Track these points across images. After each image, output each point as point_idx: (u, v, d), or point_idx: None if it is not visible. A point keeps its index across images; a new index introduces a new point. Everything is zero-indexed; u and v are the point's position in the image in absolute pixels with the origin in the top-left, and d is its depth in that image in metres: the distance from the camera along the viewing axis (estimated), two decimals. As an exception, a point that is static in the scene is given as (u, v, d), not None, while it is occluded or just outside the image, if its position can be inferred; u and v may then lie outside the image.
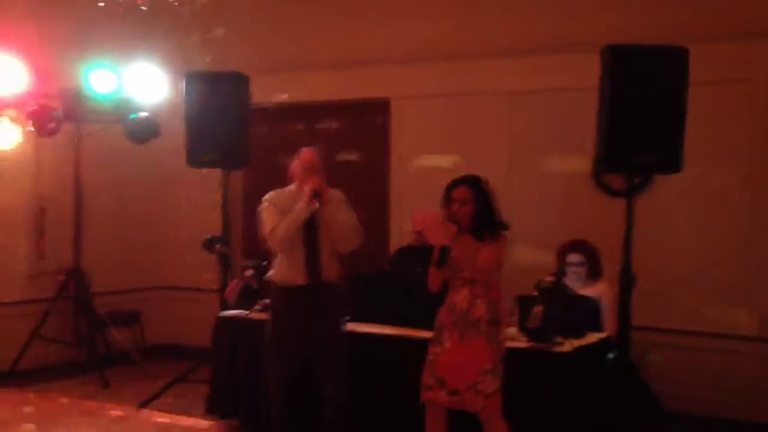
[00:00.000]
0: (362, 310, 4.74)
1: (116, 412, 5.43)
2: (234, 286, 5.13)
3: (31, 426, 5.15)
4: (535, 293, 4.17)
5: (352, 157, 6.64)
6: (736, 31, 5.12)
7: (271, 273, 4.43)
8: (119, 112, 6.39)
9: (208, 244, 5.55)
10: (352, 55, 6.40)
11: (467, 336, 3.75)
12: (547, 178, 5.81)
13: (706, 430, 5.15)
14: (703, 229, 5.34)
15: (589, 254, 4.96)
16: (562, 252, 5.02)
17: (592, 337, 4.40)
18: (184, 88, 5.46)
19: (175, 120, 5.85)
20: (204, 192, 6.58)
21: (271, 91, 6.47)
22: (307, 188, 4.19)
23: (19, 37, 5.72)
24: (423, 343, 3.94)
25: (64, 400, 5.73)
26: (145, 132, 6.50)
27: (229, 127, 5.34)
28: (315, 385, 4.36)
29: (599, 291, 4.88)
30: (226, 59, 6.17)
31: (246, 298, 5.06)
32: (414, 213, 3.95)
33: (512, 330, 4.21)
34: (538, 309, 4.11)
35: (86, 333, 6.43)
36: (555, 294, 4.18)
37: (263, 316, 4.90)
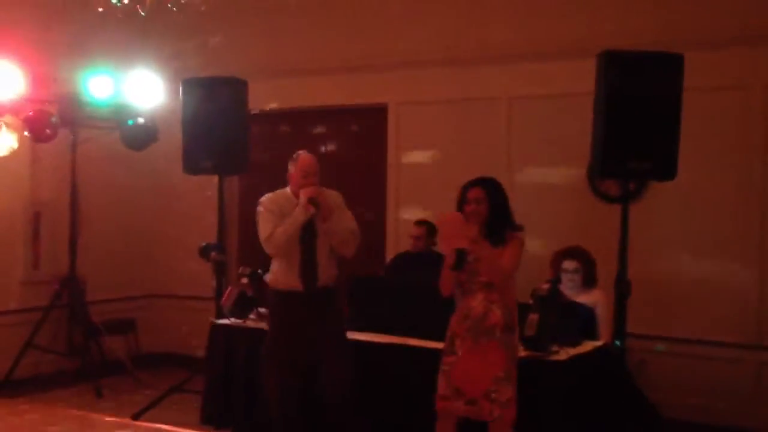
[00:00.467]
0: (356, 317, 4.70)
1: (110, 422, 5.39)
2: (229, 293, 5.11)
3: (24, 436, 5.12)
4: (531, 301, 4.16)
5: (349, 163, 6.63)
6: (731, 37, 5.13)
7: (268, 277, 4.40)
8: (116, 118, 6.39)
9: (204, 252, 5.53)
10: (350, 61, 6.41)
11: (480, 342, 3.74)
12: (544, 184, 5.80)
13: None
14: (698, 236, 5.32)
15: (584, 261, 4.94)
16: (558, 259, 5.00)
17: (588, 346, 4.38)
18: (181, 93, 5.45)
19: (172, 126, 5.85)
20: (200, 199, 6.57)
21: (268, 97, 6.47)
22: (304, 195, 4.18)
23: (16, 42, 5.70)
24: (421, 352, 3.91)
25: (58, 410, 5.68)
26: (142, 138, 6.49)
27: (226, 133, 5.31)
28: (317, 394, 4.32)
29: (594, 298, 4.86)
30: (223, 65, 6.17)
31: (241, 306, 5.03)
32: (437, 214, 3.93)
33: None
34: (533, 317, 4.09)
35: (80, 342, 6.39)
36: (550, 302, 4.16)
37: (259, 324, 4.89)
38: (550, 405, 3.94)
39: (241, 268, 5.27)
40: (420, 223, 5.72)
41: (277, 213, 4.26)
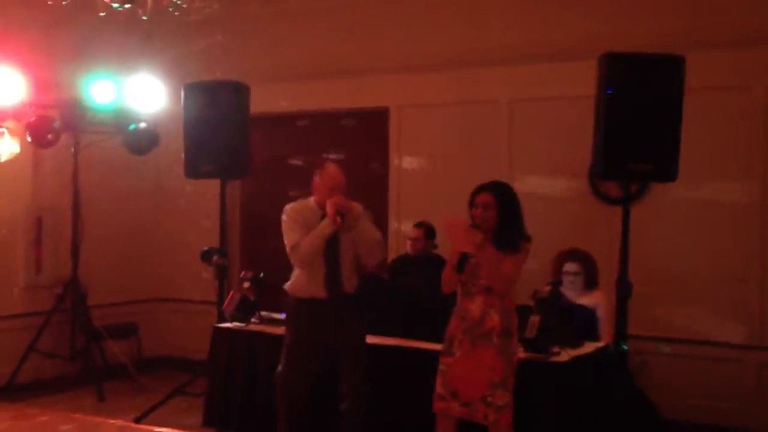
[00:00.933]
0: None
1: (112, 425, 5.39)
2: (231, 298, 5.12)
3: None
4: (532, 303, 4.16)
5: (351, 165, 6.62)
6: (732, 39, 5.14)
7: (288, 285, 4.40)
8: (118, 123, 6.40)
9: (206, 256, 5.53)
10: (351, 65, 6.42)
11: (478, 345, 3.73)
12: (546, 186, 5.79)
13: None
14: (699, 237, 5.33)
15: (585, 263, 4.94)
16: (559, 261, 5.00)
17: (589, 347, 4.38)
18: (183, 98, 5.47)
19: (174, 130, 5.86)
20: (202, 203, 6.58)
21: (269, 101, 6.48)
22: (331, 206, 4.17)
23: (18, 47, 5.72)
24: (421, 354, 3.91)
25: (60, 414, 5.68)
26: (144, 143, 6.51)
27: (228, 137, 5.30)
28: (329, 401, 4.32)
29: (595, 300, 4.86)
30: (225, 69, 6.19)
31: (243, 310, 5.04)
32: (444, 219, 3.94)
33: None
34: (534, 319, 4.10)
35: (83, 346, 6.40)
36: (551, 304, 4.17)
37: (261, 328, 4.89)
38: (552, 406, 3.94)
39: (243, 273, 5.28)
40: (418, 224, 5.69)
41: (301, 223, 4.26)
